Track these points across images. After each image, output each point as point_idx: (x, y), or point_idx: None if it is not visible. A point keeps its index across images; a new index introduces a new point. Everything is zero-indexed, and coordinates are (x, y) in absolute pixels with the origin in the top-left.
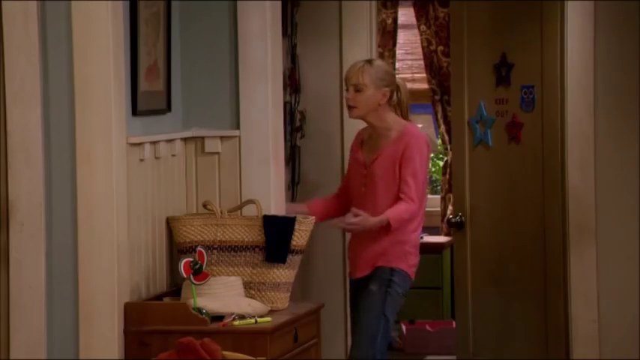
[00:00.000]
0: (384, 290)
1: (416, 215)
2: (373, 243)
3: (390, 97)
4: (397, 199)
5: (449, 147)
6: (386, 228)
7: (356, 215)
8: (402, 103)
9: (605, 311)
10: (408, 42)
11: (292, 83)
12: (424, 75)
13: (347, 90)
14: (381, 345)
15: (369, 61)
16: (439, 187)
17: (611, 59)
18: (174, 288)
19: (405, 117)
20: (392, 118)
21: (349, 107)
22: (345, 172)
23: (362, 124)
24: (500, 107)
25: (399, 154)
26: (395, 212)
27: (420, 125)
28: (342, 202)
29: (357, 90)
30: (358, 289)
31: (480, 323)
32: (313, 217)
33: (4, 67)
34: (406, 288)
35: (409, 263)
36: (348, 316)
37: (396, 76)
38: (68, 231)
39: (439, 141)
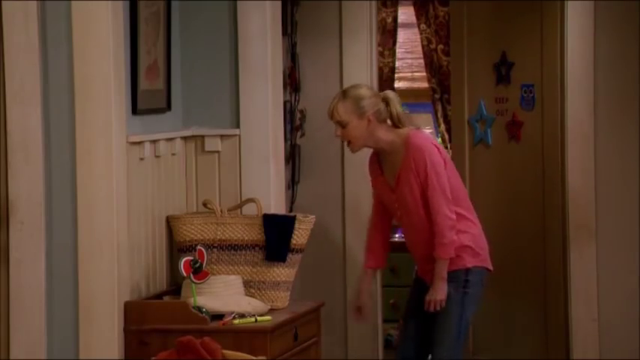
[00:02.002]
0: (461, 292)
1: (454, 222)
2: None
3: (379, 115)
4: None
5: (449, 146)
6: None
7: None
8: (394, 115)
9: (605, 311)
10: (408, 41)
11: (292, 82)
12: (424, 74)
13: (335, 128)
14: (461, 344)
15: (344, 93)
16: None
17: (611, 58)
18: (175, 287)
19: (402, 124)
20: (392, 134)
21: (347, 143)
22: (373, 195)
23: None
24: (500, 106)
25: (414, 173)
26: (441, 248)
27: (416, 126)
28: (387, 219)
29: (343, 126)
30: (423, 288)
31: (479, 323)
32: (313, 216)
33: (5, 66)
34: (482, 278)
35: (480, 258)
36: (348, 315)
37: (377, 93)
38: (68, 230)
39: (439, 140)
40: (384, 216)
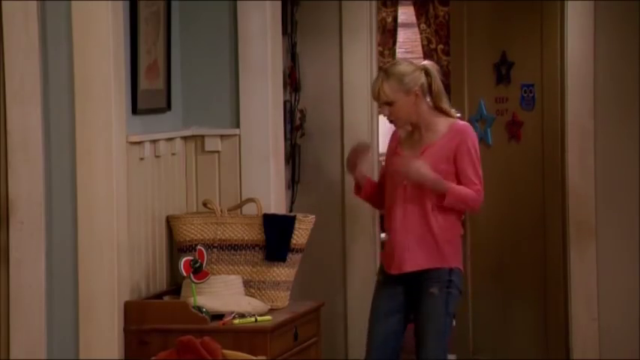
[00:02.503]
0: (445, 292)
1: (474, 209)
2: (423, 240)
3: (423, 89)
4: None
5: None
6: (436, 200)
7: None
8: (433, 90)
9: (605, 311)
10: (408, 40)
11: (292, 82)
12: None
13: (380, 107)
14: (446, 343)
15: (386, 72)
16: None
17: (611, 58)
18: (174, 287)
19: (440, 101)
20: (436, 115)
21: (391, 122)
22: (381, 168)
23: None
24: (500, 106)
25: (452, 151)
26: (458, 191)
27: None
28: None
29: (390, 105)
30: (399, 283)
31: (479, 322)
32: (313, 216)
33: (4, 66)
34: (461, 283)
35: (461, 260)
36: (348, 315)
37: (418, 66)
38: (68, 230)
39: None
40: (383, 188)
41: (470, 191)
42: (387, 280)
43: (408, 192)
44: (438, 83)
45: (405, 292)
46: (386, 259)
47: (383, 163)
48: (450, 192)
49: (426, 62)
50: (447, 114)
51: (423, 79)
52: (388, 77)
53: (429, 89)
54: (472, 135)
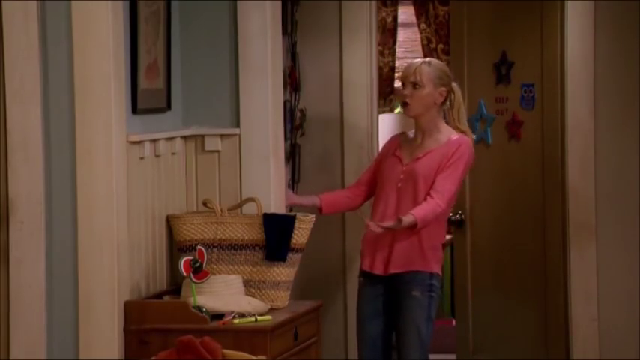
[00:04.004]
0: (427, 295)
1: (441, 218)
2: (406, 242)
3: (446, 98)
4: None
5: None
6: (411, 227)
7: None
8: (454, 107)
9: (605, 311)
10: (408, 40)
11: (292, 81)
12: None
13: (404, 87)
14: (427, 346)
15: (427, 62)
16: None
17: (611, 58)
18: (174, 286)
19: (456, 121)
20: (444, 125)
21: (404, 104)
22: (369, 166)
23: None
24: (500, 105)
25: (445, 158)
26: (422, 212)
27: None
28: (355, 197)
29: (415, 87)
30: (379, 282)
31: (479, 322)
32: (313, 216)
33: (4, 65)
34: (440, 288)
35: (440, 265)
36: (348, 314)
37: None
38: (68, 229)
39: None
40: (362, 188)
41: (431, 206)
42: (368, 280)
43: (402, 195)
44: (460, 101)
45: (384, 293)
46: (367, 257)
47: (374, 162)
48: (419, 219)
49: (455, 84)
50: (463, 133)
51: (450, 88)
52: (429, 65)
53: (450, 104)
54: (468, 151)
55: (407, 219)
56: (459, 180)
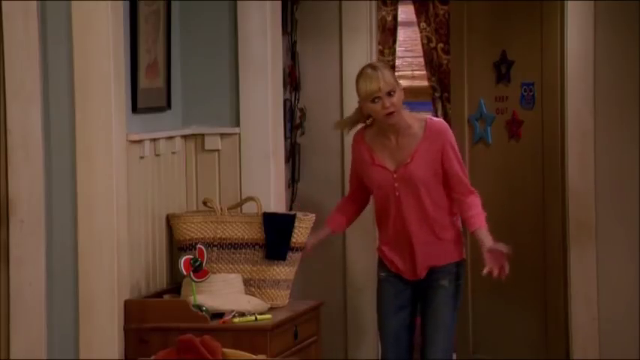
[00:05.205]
0: (454, 285)
1: (452, 207)
2: (429, 244)
3: None
4: (443, 199)
5: None
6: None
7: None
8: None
9: (605, 311)
10: (408, 39)
11: (292, 81)
12: (424, 72)
13: (380, 100)
14: (453, 337)
15: (378, 67)
16: None
17: (611, 57)
18: (174, 285)
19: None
20: (407, 114)
21: (390, 115)
22: (351, 173)
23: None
24: (500, 105)
25: (438, 153)
26: (482, 217)
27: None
28: (360, 203)
29: (391, 95)
30: (410, 285)
31: (479, 322)
32: (313, 215)
33: (5, 65)
34: (464, 272)
35: (463, 249)
36: (348, 314)
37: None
38: (68, 228)
39: None
40: (363, 193)
41: (477, 207)
42: (391, 275)
43: (403, 205)
44: None
45: (411, 286)
46: (392, 265)
47: (352, 167)
48: (485, 226)
49: None
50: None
51: None
52: (383, 68)
53: None
54: (450, 132)
55: (488, 236)
56: (462, 162)
